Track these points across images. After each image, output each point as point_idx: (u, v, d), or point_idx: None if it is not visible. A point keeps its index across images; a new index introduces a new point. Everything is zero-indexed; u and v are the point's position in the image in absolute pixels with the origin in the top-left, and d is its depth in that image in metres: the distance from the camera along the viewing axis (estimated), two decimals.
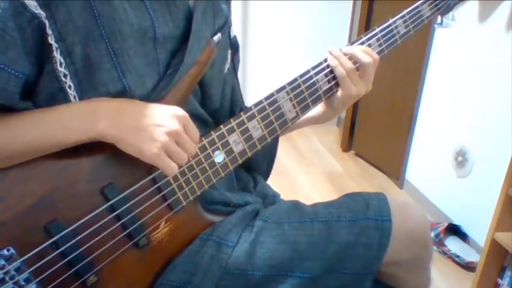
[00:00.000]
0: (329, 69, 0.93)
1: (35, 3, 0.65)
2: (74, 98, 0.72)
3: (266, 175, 1.09)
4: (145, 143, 0.71)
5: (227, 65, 0.95)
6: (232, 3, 0.94)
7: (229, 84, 0.98)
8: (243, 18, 3.11)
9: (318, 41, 3.14)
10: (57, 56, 0.69)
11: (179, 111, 0.75)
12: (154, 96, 0.78)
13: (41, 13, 0.66)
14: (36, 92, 0.72)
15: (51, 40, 0.68)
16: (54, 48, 0.68)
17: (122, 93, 0.74)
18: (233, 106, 1.00)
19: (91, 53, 0.71)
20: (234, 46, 0.97)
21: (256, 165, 1.05)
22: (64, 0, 0.67)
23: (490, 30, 2.01)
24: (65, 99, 0.72)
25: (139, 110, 0.73)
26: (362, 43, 0.96)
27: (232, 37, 0.96)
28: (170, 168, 0.73)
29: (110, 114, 0.71)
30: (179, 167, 0.77)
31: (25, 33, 0.66)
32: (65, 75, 0.70)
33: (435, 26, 1.15)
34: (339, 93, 0.95)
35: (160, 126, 0.72)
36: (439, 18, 1.14)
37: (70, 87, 0.71)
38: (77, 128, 0.70)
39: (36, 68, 0.70)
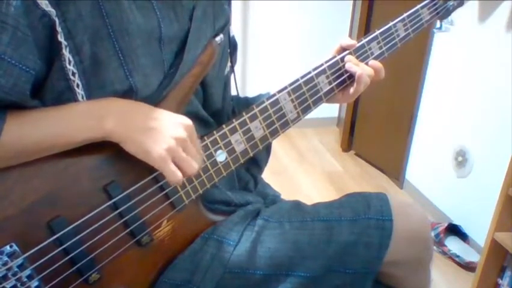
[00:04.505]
0: (330, 71, 0.93)
1: (46, 1, 0.65)
2: (82, 97, 0.72)
3: (265, 163, 1.08)
4: (152, 144, 0.71)
5: (229, 64, 0.95)
6: (232, 3, 0.95)
7: (230, 83, 0.98)
8: (243, 18, 3.11)
9: (317, 41, 3.14)
10: (66, 53, 0.69)
11: (187, 121, 0.75)
12: (156, 95, 0.78)
13: (52, 10, 0.66)
14: (44, 90, 0.72)
15: (60, 38, 0.68)
16: (63, 46, 0.68)
17: (129, 92, 0.74)
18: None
19: (98, 51, 0.71)
20: (232, 45, 0.97)
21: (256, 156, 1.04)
22: None
23: (490, 31, 2.01)
24: (73, 98, 0.72)
25: (147, 113, 0.73)
26: (363, 46, 0.96)
27: (231, 36, 0.96)
28: (175, 173, 0.72)
29: (118, 114, 0.71)
30: (185, 185, 0.75)
31: (36, 30, 0.66)
32: (73, 74, 0.70)
33: (434, 30, 1.15)
34: (352, 89, 0.95)
35: (168, 131, 0.72)
36: (438, 22, 1.14)
37: (77, 85, 0.71)
38: (85, 127, 0.70)
39: (45, 65, 0.70)
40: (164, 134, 0.71)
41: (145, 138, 0.71)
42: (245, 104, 0.98)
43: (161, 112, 0.74)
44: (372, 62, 0.96)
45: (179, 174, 0.72)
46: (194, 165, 0.74)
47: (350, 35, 3.21)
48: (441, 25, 1.14)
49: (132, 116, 0.72)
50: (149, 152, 0.71)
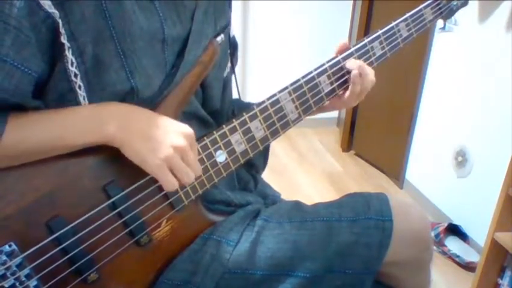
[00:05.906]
0: (332, 70, 0.93)
1: (49, 3, 0.65)
2: (84, 98, 0.72)
3: (263, 168, 1.09)
4: (149, 152, 0.71)
5: (229, 65, 0.95)
6: (232, 3, 0.95)
7: (230, 84, 0.98)
8: (243, 18, 3.10)
9: (317, 41, 3.15)
10: (69, 55, 0.69)
11: (188, 130, 0.75)
12: (157, 96, 0.78)
13: (55, 12, 0.66)
14: (46, 91, 0.72)
15: (63, 39, 0.68)
16: (66, 47, 0.68)
17: (130, 93, 0.74)
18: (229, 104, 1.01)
19: (100, 53, 0.71)
20: (233, 45, 0.97)
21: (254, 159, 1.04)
22: (77, 0, 0.67)
23: (490, 30, 2.01)
24: (75, 100, 0.72)
25: (148, 119, 0.73)
26: (365, 46, 0.96)
27: (231, 36, 0.96)
28: (170, 182, 0.73)
29: (120, 119, 0.71)
30: (184, 185, 0.75)
31: (39, 32, 0.66)
32: (75, 75, 0.70)
33: (439, 30, 1.15)
34: (348, 94, 0.95)
35: (167, 139, 0.72)
36: (442, 22, 1.14)
37: (79, 87, 0.71)
38: (86, 131, 0.70)
39: (48, 66, 0.70)
40: (163, 143, 0.72)
41: (143, 147, 0.71)
42: (247, 108, 0.98)
43: (163, 119, 0.74)
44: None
45: (175, 183, 0.73)
46: (191, 174, 0.75)
47: (350, 35, 3.21)
48: (445, 25, 1.14)
49: (133, 121, 0.72)
50: (146, 161, 0.72)
